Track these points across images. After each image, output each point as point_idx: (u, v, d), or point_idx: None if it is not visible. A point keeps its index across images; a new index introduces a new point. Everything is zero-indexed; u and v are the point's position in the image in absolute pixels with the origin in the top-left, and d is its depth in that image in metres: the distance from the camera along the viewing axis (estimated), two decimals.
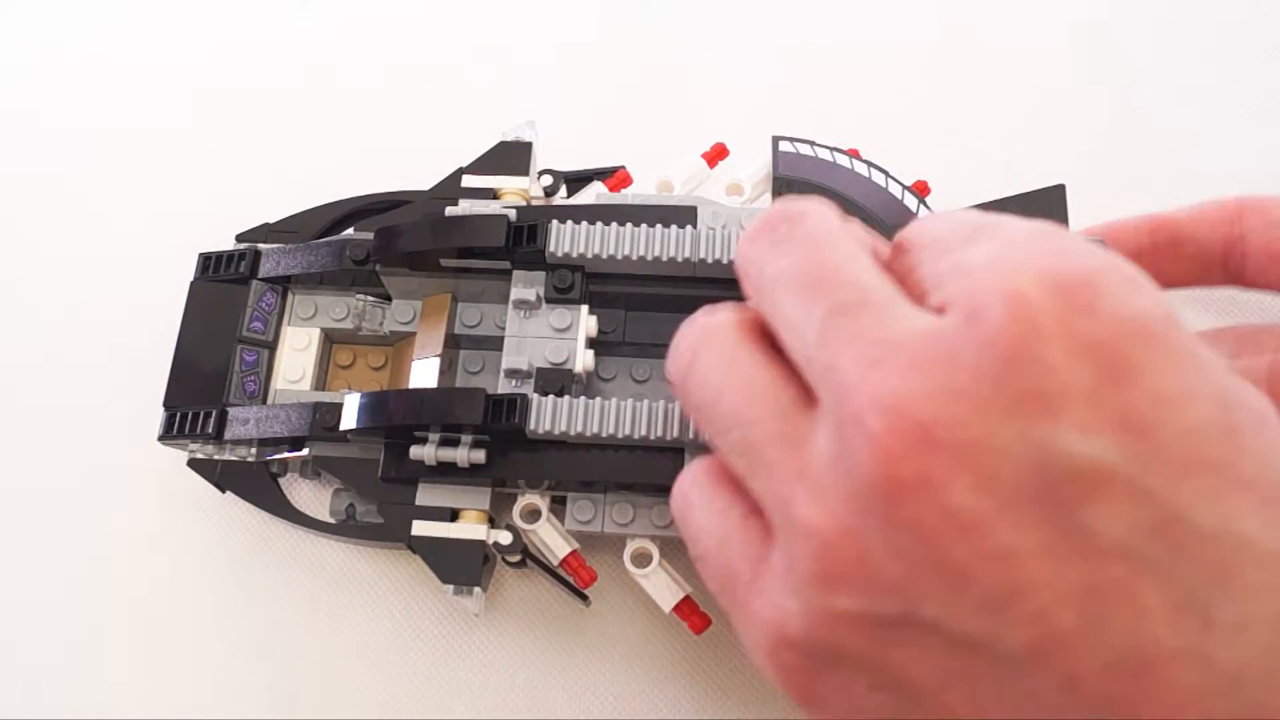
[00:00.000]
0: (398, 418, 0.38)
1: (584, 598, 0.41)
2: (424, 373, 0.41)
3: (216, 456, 0.42)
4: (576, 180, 0.45)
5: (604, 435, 0.38)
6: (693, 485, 0.31)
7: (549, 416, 0.38)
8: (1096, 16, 0.54)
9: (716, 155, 0.45)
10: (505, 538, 0.39)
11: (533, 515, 0.40)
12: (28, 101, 0.55)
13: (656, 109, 0.52)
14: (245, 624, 0.43)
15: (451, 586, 0.39)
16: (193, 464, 0.42)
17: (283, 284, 0.44)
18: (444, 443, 0.38)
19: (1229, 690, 0.23)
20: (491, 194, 0.43)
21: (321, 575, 0.44)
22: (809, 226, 0.29)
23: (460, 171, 0.44)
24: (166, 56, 0.55)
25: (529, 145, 0.44)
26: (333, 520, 0.42)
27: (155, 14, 0.56)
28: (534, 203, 0.44)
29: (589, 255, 0.40)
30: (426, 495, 0.40)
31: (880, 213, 0.41)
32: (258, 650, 0.43)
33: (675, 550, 0.40)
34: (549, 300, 0.41)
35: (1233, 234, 0.41)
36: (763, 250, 0.29)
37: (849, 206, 0.41)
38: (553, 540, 0.40)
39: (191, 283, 0.44)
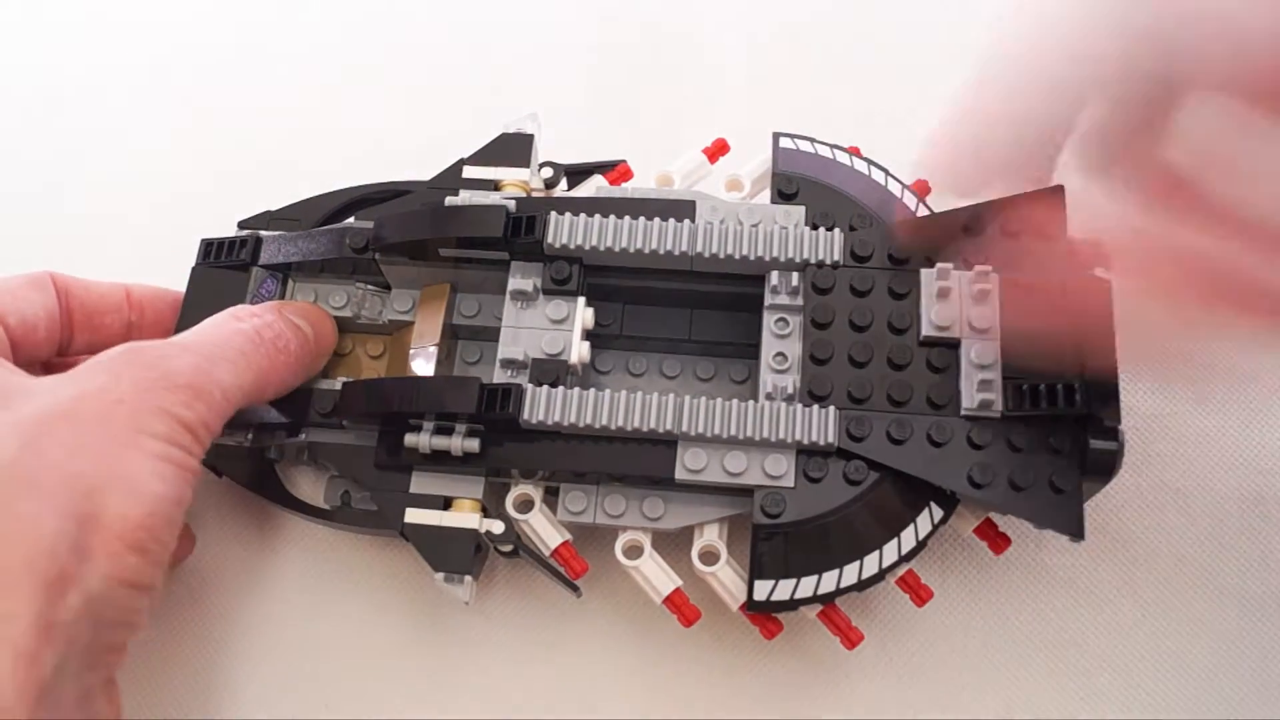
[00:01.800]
0: (393, 405, 0.39)
1: (575, 589, 0.41)
2: (422, 362, 0.41)
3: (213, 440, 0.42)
4: (577, 173, 0.45)
5: (597, 426, 0.38)
6: None
7: (543, 407, 0.38)
8: None
9: (718, 151, 0.45)
10: (498, 527, 0.39)
11: (525, 505, 0.40)
12: (32, 85, 0.55)
13: (659, 104, 0.52)
14: (242, 608, 0.44)
15: (442, 574, 0.39)
16: None
17: (283, 271, 0.44)
18: (438, 431, 0.39)
19: None
20: (492, 185, 0.43)
21: (316, 561, 0.44)
22: None
23: (461, 162, 0.44)
24: (174, 43, 0.56)
25: (530, 137, 0.44)
26: (327, 507, 0.42)
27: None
28: (534, 195, 0.44)
29: (587, 247, 0.40)
30: (420, 483, 0.40)
31: (879, 210, 0.41)
32: (251, 633, 0.43)
33: (667, 542, 0.40)
34: (546, 292, 0.41)
35: None
36: None
37: (847, 203, 0.41)
38: (545, 530, 0.40)
39: (193, 268, 0.44)
